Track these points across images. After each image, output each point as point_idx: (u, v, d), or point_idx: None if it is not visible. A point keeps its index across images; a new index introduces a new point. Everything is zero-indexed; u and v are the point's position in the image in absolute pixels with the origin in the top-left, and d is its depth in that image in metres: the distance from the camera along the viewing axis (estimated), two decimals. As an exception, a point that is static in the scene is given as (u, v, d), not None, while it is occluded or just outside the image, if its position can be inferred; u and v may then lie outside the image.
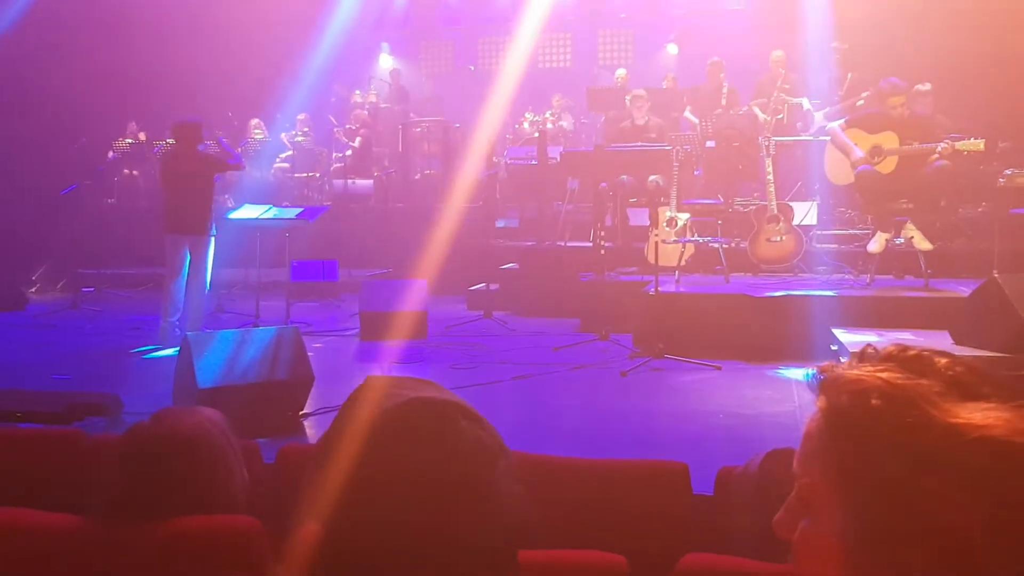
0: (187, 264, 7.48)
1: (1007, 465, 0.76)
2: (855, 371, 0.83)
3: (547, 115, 12.22)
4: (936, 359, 0.85)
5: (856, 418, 0.81)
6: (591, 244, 8.32)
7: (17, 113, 11.36)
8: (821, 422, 0.84)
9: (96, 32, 12.13)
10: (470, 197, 10.45)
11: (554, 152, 9.82)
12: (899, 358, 0.85)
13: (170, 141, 10.18)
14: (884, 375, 0.82)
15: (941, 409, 0.79)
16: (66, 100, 11.60)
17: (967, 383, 0.82)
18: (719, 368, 6.10)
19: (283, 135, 12.63)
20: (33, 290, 10.24)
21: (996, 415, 0.78)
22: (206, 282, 7.59)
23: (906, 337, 6.09)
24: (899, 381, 0.82)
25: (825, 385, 0.84)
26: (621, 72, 12.05)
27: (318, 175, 12.39)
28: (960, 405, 0.80)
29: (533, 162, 10.01)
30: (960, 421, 0.78)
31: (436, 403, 1.07)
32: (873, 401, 0.80)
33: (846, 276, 7.66)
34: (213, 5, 12.95)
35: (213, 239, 7.58)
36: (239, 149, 12.02)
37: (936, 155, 6.73)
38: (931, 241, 7.01)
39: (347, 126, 12.59)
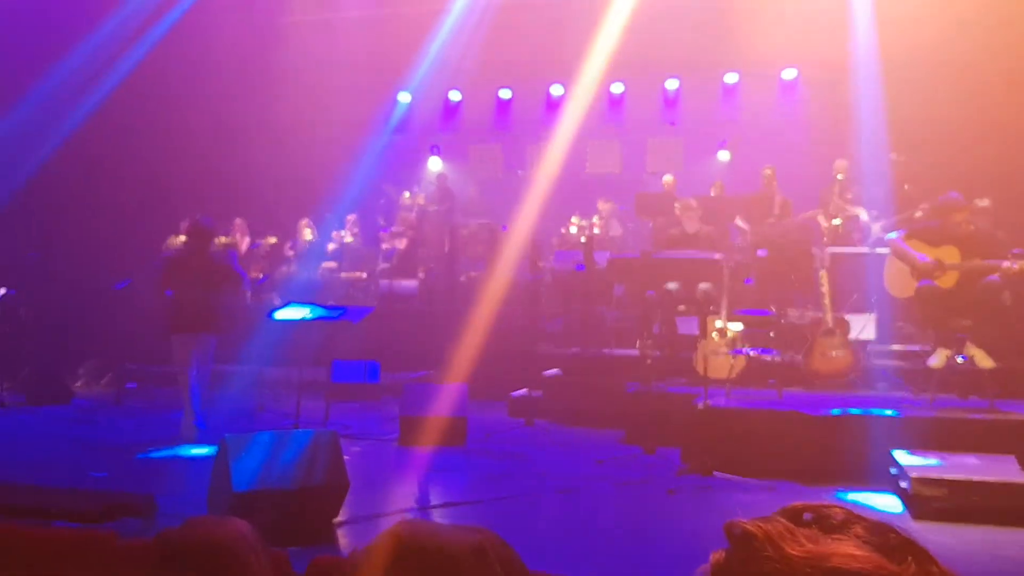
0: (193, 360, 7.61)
1: None
2: (756, 522, 0.94)
3: (594, 220, 12.23)
4: (825, 510, 0.95)
5: (732, 555, 0.94)
6: (637, 352, 8.15)
7: (74, 209, 11.72)
8: (715, 561, 0.96)
9: (153, 132, 12.57)
10: (515, 301, 10.40)
11: (600, 257, 9.77)
12: (789, 511, 0.96)
13: (181, 237, 10.47)
14: (765, 524, 0.92)
15: (796, 545, 0.89)
16: (121, 197, 11.94)
17: (837, 525, 0.92)
18: (772, 489, 5.83)
19: (333, 234, 12.80)
20: (79, 384, 10.32)
21: (841, 548, 0.88)
22: (206, 379, 7.74)
23: (971, 462, 5.80)
24: (769, 527, 0.92)
25: (726, 527, 0.96)
26: (668, 178, 12.07)
27: (364, 275, 12.47)
28: (817, 541, 0.90)
29: (579, 267, 9.96)
30: (800, 553, 0.88)
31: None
32: (745, 541, 0.92)
33: (906, 394, 7.37)
34: (268, 108, 13.39)
35: (215, 338, 7.75)
36: (290, 251, 12.24)
37: (1000, 272, 6.54)
38: (996, 360, 6.74)
39: (392, 229, 12.74)
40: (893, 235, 7.26)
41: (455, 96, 14.75)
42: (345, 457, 5.24)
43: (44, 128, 11.40)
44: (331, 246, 12.74)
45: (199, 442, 7.29)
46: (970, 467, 5.69)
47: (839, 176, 9.61)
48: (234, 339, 8.70)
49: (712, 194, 11.44)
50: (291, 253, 12.39)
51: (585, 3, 11.95)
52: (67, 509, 4.85)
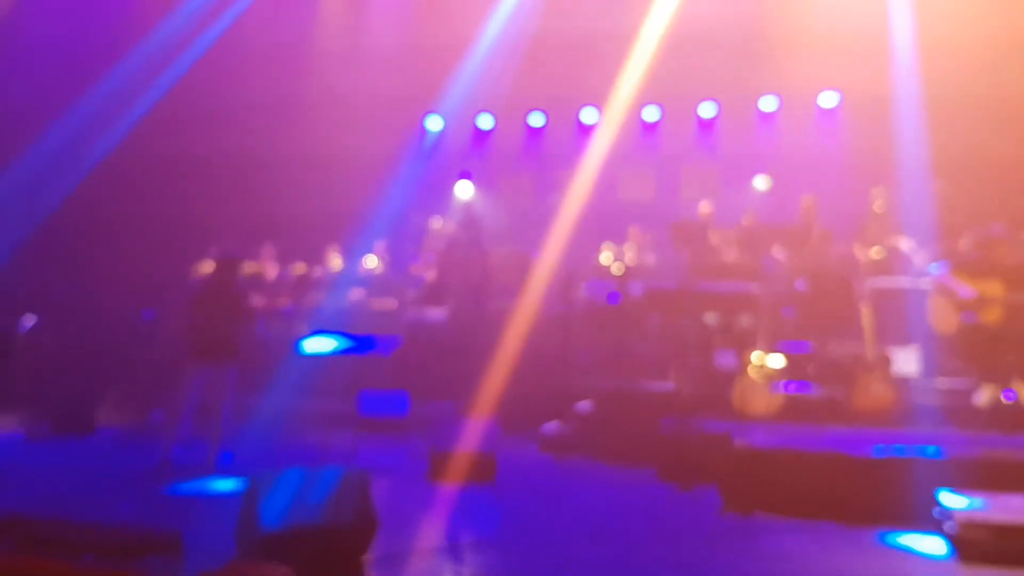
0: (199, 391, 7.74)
1: None
2: None
3: (626, 248, 12.11)
4: None
5: None
6: (673, 386, 8.01)
7: (102, 238, 11.82)
8: None
9: (182, 160, 12.72)
10: (546, 331, 10.28)
11: (635, 287, 9.64)
12: None
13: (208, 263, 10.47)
14: None
15: None
16: (150, 226, 12.05)
17: None
18: (815, 531, 5.74)
19: (361, 262, 12.77)
20: (104, 413, 10.32)
21: None
22: (228, 410, 7.80)
23: (1019, 503, 5.64)
24: None
25: None
26: (705, 207, 11.95)
27: (393, 304, 12.41)
28: None
29: (611, 297, 9.84)
30: None
31: None
32: None
33: (951, 432, 7.17)
34: (297, 135, 13.49)
35: (235, 369, 7.81)
36: (318, 271, 12.27)
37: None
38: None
39: (422, 258, 12.72)
40: (935, 268, 7.12)
41: (486, 124, 14.76)
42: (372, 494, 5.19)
43: (74, 156, 11.56)
44: (361, 270, 12.74)
45: (222, 474, 7.38)
46: (1018, 509, 5.54)
47: (876, 206, 9.48)
48: (263, 370, 8.71)
49: (744, 223, 11.30)
50: (320, 272, 12.39)
51: (618, 28, 11.94)
52: (93, 544, 4.84)
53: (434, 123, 14.63)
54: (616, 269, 10.28)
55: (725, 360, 8.23)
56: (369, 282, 12.59)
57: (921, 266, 8.61)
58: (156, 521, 5.89)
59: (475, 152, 14.99)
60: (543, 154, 14.64)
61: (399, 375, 9.86)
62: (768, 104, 13.19)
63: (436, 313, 12.05)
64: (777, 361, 7.38)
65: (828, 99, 12.82)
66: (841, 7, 11.23)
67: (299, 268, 12.46)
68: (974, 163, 9.93)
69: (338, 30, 13.97)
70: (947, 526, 5.47)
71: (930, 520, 5.75)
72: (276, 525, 4.81)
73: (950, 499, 5.65)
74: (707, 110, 13.65)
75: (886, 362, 7.15)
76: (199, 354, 7.73)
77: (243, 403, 8.21)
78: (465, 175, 14.99)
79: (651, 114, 13.82)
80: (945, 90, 10.42)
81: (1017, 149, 10.13)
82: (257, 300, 8.59)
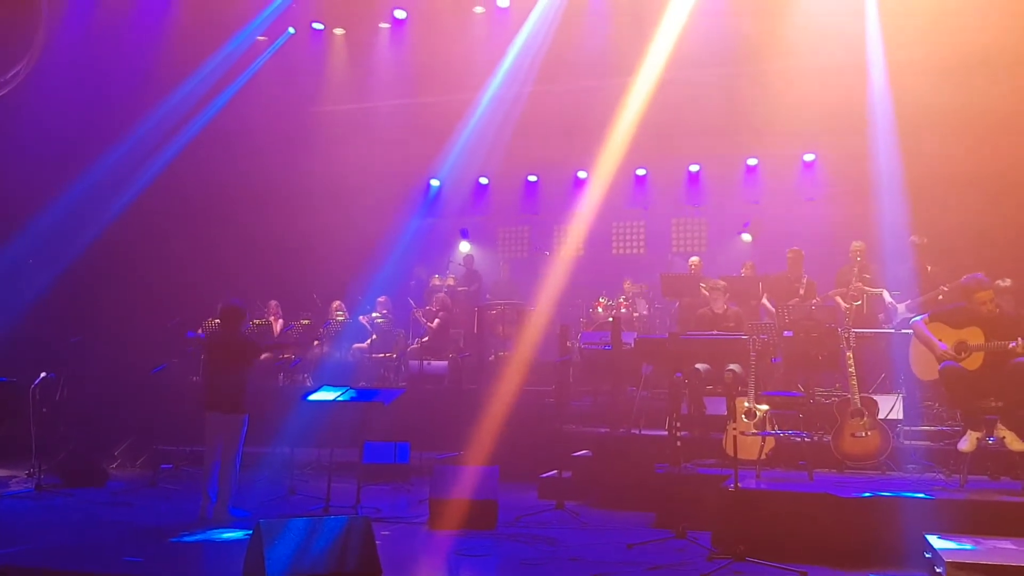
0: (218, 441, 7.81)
1: None
2: None
3: (621, 300, 12.33)
4: None
5: None
6: (666, 433, 8.14)
7: (113, 295, 12.03)
8: None
9: (189, 219, 12.97)
10: (544, 381, 10.47)
11: (628, 337, 9.83)
12: None
13: (216, 321, 10.68)
14: None
15: None
16: (159, 284, 12.27)
17: None
18: (805, 575, 5.77)
19: (362, 318, 12.97)
20: (114, 466, 10.44)
21: None
22: (238, 460, 7.84)
23: (1006, 546, 5.72)
24: None
25: None
26: (695, 260, 12.22)
27: (395, 356, 12.60)
28: None
29: (607, 347, 10.02)
30: None
31: None
32: None
33: (937, 476, 7.31)
34: (301, 194, 13.78)
35: (246, 418, 7.88)
36: (321, 330, 12.42)
37: (1019, 351, 6.55)
38: (1026, 441, 6.69)
39: (427, 308, 12.92)
40: (917, 319, 7.30)
41: (484, 180, 15.15)
42: (376, 542, 5.28)
43: (86, 216, 11.82)
44: (362, 321, 12.93)
45: (213, 521, 7.51)
46: (1007, 552, 5.61)
47: (857, 257, 9.72)
48: (267, 420, 8.84)
49: (743, 273, 11.53)
50: (325, 326, 12.55)
51: (608, 92, 12.30)
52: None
53: (434, 183, 15.05)
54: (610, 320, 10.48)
55: (717, 407, 8.39)
56: (372, 335, 12.81)
57: (905, 315, 8.81)
58: (165, 571, 6.01)
59: (474, 209, 15.35)
60: (539, 210, 14.96)
61: (401, 424, 10.00)
62: (752, 160, 13.57)
63: (437, 364, 12.23)
64: (765, 408, 7.52)
65: (808, 159, 13.22)
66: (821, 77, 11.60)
67: (304, 322, 12.67)
68: (952, 216, 10.20)
69: (342, 93, 14.37)
70: (937, 569, 5.51)
71: (920, 562, 5.83)
72: (281, 573, 4.90)
73: (939, 542, 5.71)
74: (694, 169, 14.05)
75: (872, 408, 7.28)
76: (211, 405, 7.88)
77: (250, 453, 8.32)
78: (464, 233, 15.34)
79: (641, 171, 14.20)
80: (922, 146, 10.75)
81: (995, 204, 10.39)
82: (264, 353, 8.67)
